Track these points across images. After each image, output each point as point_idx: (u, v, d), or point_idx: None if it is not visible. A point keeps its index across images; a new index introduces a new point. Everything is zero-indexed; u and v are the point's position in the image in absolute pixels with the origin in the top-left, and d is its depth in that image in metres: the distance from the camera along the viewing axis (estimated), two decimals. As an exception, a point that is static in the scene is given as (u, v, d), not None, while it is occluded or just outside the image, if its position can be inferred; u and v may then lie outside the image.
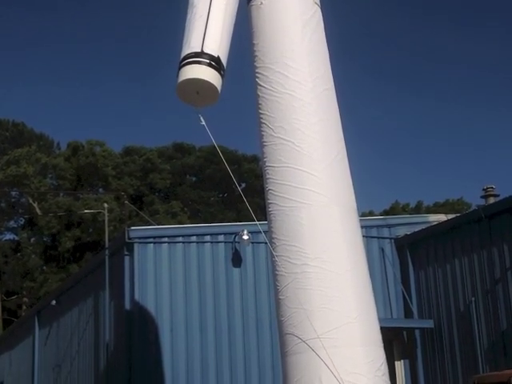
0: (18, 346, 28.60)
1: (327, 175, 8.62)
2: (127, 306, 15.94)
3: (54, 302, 22.18)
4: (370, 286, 8.64)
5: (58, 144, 49.02)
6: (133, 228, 17.26)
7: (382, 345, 8.28)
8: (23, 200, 43.33)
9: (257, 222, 9.62)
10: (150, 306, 15.77)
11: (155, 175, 42.41)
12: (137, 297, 15.74)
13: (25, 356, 26.63)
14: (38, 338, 24.70)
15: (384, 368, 8.11)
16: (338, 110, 9.12)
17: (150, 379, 15.26)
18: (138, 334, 15.61)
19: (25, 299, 41.04)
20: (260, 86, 8.96)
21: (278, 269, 8.54)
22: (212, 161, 43.12)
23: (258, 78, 9.01)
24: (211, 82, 8.09)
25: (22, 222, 44.17)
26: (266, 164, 8.89)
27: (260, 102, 8.96)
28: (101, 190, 41.91)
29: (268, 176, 8.87)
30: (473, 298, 15.55)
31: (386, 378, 8.10)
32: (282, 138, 8.72)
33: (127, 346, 15.78)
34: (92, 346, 18.62)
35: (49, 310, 23.12)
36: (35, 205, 40.43)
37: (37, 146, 44.69)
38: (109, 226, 25.72)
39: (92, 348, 18.61)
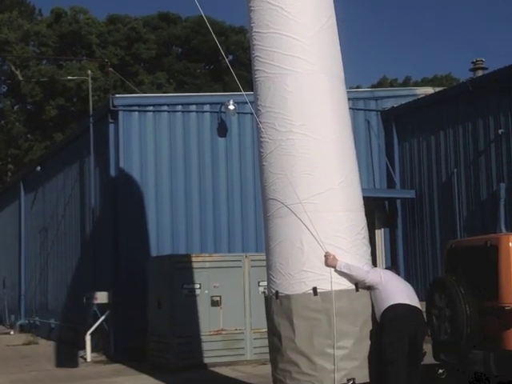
0: (4, 211, 28.99)
1: (315, 42, 8.48)
2: (112, 173, 16.03)
3: (39, 168, 22.27)
4: (354, 154, 8.70)
5: (40, 11, 47.63)
6: (117, 95, 17.11)
7: (363, 210, 8.44)
8: (5, 67, 42.54)
9: (243, 92, 9.55)
10: (135, 174, 15.88)
11: (140, 45, 41.44)
12: (122, 164, 15.81)
13: (11, 220, 27.03)
14: (24, 202, 24.99)
15: (364, 232, 8.30)
16: (328, -24, 8.83)
17: (135, 244, 15.58)
18: (123, 200, 15.79)
19: (10, 166, 41.19)
20: None
21: (262, 135, 8.55)
22: (198, 32, 42.10)
23: None
24: None
25: (4, 90, 43.62)
26: (253, 30, 8.71)
27: (248, -37, 8.66)
28: (84, 58, 41.10)
29: (255, 42, 8.71)
30: (455, 170, 15.77)
31: (366, 241, 8.30)
32: (270, 3, 8.50)
33: (113, 212, 16.00)
34: (78, 210, 18.87)
35: (34, 175, 23.26)
36: (18, 72, 39.75)
37: (18, 12, 43.37)
38: (93, 96, 25.40)
39: (78, 213, 18.86)
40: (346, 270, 7.83)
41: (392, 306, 7.75)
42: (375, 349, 7.80)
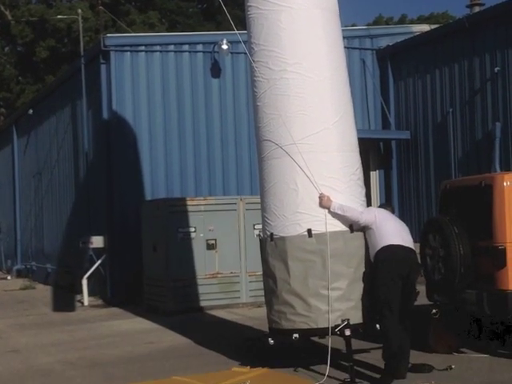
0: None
1: (308, -25, 8.28)
2: (105, 115, 15.83)
3: (31, 111, 22.01)
4: (349, 93, 8.58)
5: None
6: (109, 35, 16.80)
7: (358, 150, 8.36)
8: (-6, 7, 41.74)
9: (236, 32, 9.33)
10: (128, 116, 15.69)
11: (131, -17, 40.67)
12: (114, 106, 15.61)
13: (4, 165, 26.86)
14: (17, 147, 24.80)
15: (359, 172, 8.24)
16: None
17: (129, 187, 15.49)
18: (117, 143, 15.64)
19: (2, 110, 40.78)
20: None
21: (256, 75, 8.42)
22: (191, -32, 41.34)
23: None
24: None
25: (-7, 31, 42.86)
26: (246, -37, 8.50)
27: None
28: (74, -2, 40.26)
29: (247, -23, 8.50)
30: (450, 109, 15.61)
31: (361, 182, 8.25)
32: None
33: (106, 155, 15.86)
34: (71, 154, 18.72)
35: (26, 119, 23.00)
36: (7, 12, 39.02)
37: (5, -51, 42.31)
38: (84, 37, 24.99)
39: (71, 156, 18.72)
40: (340, 212, 7.79)
41: (385, 246, 7.72)
42: (369, 290, 7.80)
